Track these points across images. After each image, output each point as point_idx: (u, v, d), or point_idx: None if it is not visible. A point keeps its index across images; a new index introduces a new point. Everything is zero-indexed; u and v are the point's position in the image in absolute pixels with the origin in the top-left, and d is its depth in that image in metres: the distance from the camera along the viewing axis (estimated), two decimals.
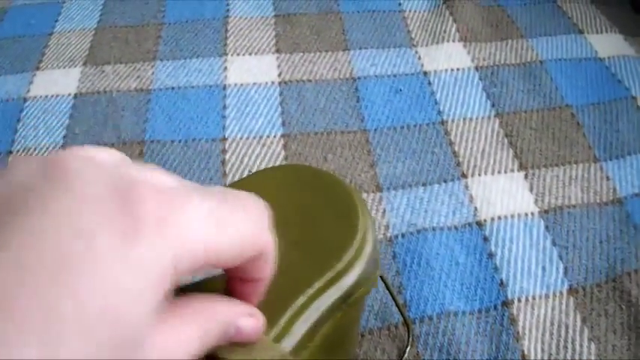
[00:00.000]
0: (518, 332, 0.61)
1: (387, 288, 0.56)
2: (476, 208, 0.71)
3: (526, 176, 0.75)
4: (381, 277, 0.52)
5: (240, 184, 0.45)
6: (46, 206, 0.25)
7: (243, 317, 0.33)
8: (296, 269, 0.39)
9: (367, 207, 0.44)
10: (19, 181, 0.26)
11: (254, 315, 0.34)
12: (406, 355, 0.59)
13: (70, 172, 0.26)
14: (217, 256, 0.28)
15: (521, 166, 0.76)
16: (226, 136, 0.80)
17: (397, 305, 0.59)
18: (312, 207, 0.43)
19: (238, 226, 0.30)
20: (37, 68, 0.92)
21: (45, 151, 0.79)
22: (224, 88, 0.87)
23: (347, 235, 0.41)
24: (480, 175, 0.75)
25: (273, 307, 0.36)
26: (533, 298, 0.64)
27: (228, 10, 1.02)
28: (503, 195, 0.73)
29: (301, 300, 0.37)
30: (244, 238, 0.30)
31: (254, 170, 0.75)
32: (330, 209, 0.42)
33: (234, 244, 0.29)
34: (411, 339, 0.60)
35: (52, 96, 0.87)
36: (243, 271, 0.33)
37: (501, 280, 0.65)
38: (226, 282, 0.34)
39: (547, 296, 0.64)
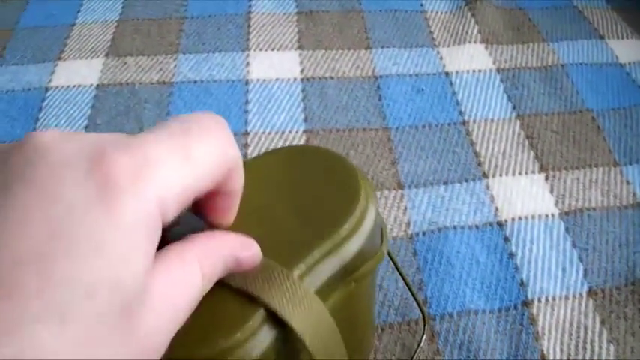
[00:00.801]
0: (537, 332, 0.61)
1: (396, 266, 0.56)
2: (497, 208, 0.72)
3: (547, 178, 0.75)
4: (389, 254, 0.52)
5: (248, 165, 0.46)
6: (23, 177, 0.26)
7: (241, 249, 0.34)
8: (296, 237, 0.39)
9: (371, 185, 0.45)
10: None
11: (250, 245, 0.35)
12: (422, 343, 0.60)
13: (42, 146, 0.27)
14: (195, 187, 0.30)
15: (542, 168, 0.77)
16: (248, 131, 0.80)
17: (409, 288, 0.59)
18: (316, 182, 0.43)
19: (208, 151, 0.31)
20: (59, 58, 0.93)
21: None
22: (246, 83, 0.88)
23: (348, 207, 0.41)
24: (500, 175, 0.75)
25: None
26: (553, 299, 0.64)
27: (250, 6, 1.02)
28: (524, 196, 0.73)
29: (300, 267, 0.37)
30: (215, 160, 0.31)
31: None
32: (332, 184, 0.43)
33: (208, 170, 0.30)
34: (427, 327, 0.60)
35: (74, 86, 0.88)
36: (217, 187, 0.33)
37: (521, 279, 0.65)
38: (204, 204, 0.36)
39: (566, 297, 0.64)
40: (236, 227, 0.37)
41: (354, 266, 0.41)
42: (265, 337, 0.35)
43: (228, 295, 0.35)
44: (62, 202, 0.25)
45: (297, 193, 0.42)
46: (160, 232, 0.28)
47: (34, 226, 0.24)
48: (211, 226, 0.37)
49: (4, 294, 0.23)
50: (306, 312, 0.36)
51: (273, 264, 0.37)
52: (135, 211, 0.26)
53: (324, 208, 0.41)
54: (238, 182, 0.35)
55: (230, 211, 0.36)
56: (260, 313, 0.35)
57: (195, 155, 0.30)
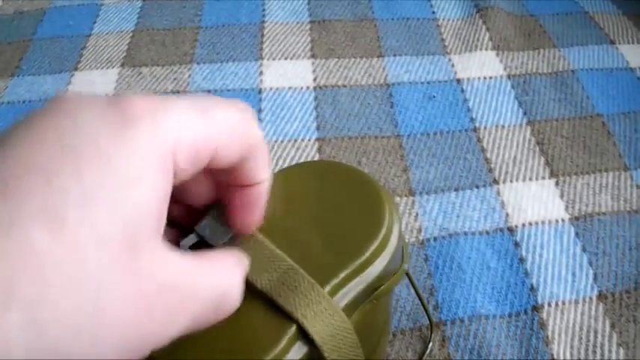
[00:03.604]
0: (547, 336, 0.62)
1: (412, 284, 0.57)
2: (507, 214, 0.72)
3: (557, 183, 0.76)
4: (406, 273, 0.53)
5: (274, 177, 0.46)
6: (43, 111, 0.27)
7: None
8: (322, 259, 0.40)
9: (395, 203, 0.45)
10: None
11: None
12: (428, 350, 0.60)
13: (65, 95, 0.28)
14: (210, 142, 0.30)
15: (552, 174, 0.77)
16: None
17: (421, 300, 0.60)
18: (340, 201, 0.44)
19: (227, 114, 0.31)
20: (76, 69, 0.94)
21: None
22: (260, 91, 0.89)
23: (373, 227, 0.42)
24: (511, 181, 0.76)
25: None
26: (563, 303, 0.65)
27: (264, 16, 1.03)
28: (535, 201, 0.74)
29: (327, 289, 0.38)
30: (233, 125, 0.31)
31: None
32: (357, 203, 0.43)
33: (225, 129, 0.30)
34: (433, 335, 0.61)
35: None
36: (241, 174, 0.34)
37: (532, 284, 0.66)
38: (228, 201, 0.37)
39: (576, 301, 0.65)
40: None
41: (377, 286, 0.42)
42: (295, 355, 0.36)
43: (258, 306, 0.36)
44: (76, 128, 0.26)
45: (323, 214, 0.43)
46: (170, 171, 0.28)
47: (47, 145, 0.25)
48: (239, 229, 0.37)
49: (4, 197, 0.24)
50: (330, 325, 0.37)
51: (301, 276, 0.37)
52: (149, 139, 0.27)
53: (350, 229, 0.42)
54: (263, 171, 0.35)
55: (255, 207, 0.36)
56: (292, 331, 0.36)
57: (213, 114, 0.30)
